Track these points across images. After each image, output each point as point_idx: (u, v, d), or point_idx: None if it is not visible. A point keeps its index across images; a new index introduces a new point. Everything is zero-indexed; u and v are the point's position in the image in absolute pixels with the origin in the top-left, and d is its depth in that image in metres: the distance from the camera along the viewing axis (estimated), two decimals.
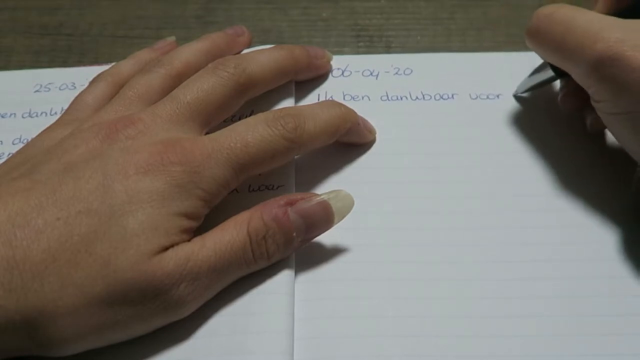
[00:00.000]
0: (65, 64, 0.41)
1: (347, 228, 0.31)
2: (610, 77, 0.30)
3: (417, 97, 0.38)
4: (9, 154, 0.35)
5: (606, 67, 0.29)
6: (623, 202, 0.33)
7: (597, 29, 0.30)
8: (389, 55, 0.41)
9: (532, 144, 0.36)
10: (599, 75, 0.30)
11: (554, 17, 0.32)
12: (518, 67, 0.39)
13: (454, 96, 0.38)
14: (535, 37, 0.33)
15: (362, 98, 0.38)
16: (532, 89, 0.37)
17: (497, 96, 0.38)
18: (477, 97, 0.38)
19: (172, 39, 0.39)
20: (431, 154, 0.35)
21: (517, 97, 0.38)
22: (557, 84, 0.38)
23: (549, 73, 0.35)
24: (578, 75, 0.31)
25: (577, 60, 0.31)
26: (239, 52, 0.39)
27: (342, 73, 0.39)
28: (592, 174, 0.34)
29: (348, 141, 0.35)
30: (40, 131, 0.32)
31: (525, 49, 0.41)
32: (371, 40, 0.42)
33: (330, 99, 0.38)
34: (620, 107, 0.30)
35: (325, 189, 0.33)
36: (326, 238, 0.31)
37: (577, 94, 0.34)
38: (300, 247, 0.30)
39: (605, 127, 0.34)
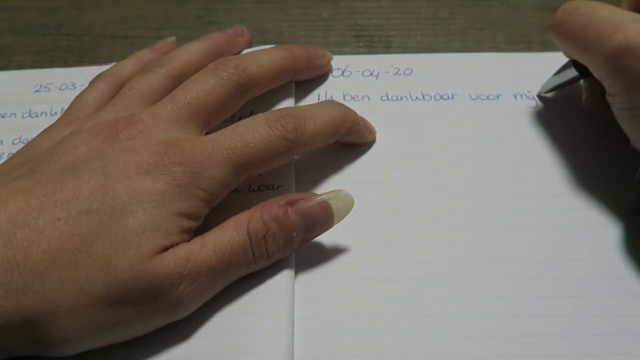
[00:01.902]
0: (65, 64, 0.41)
1: (347, 228, 0.31)
2: (625, 68, 0.29)
3: (417, 97, 0.38)
4: (9, 154, 0.35)
5: (622, 57, 0.29)
6: (627, 202, 0.33)
7: (617, 20, 0.30)
8: (389, 55, 0.41)
9: (532, 144, 0.36)
10: (615, 66, 0.30)
11: (578, 10, 0.32)
12: (518, 67, 0.39)
13: (454, 96, 0.38)
14: (559, 30, 0.33)
15: (362, 98, 0.38)
16: (555, 88, 0.37)
17: (497, 97, 0.38)
18: (477, 98, 0.38)
19: (172, 39, 0.39)
20: (431, 154, 0.35)
21: (540, 97, 0.38)
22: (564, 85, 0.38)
23: (573, 72, 0.35)
24: (595, 67, 0.31)
25: (595, 51, 0.31)
26: (239, 52, 0.39)
27: (342, 73, 0.39)
28: (594, 173, 0.34)
29: (348, 141, 0.35)
30: (40, 131, 0.32)
31: (526, 49, 0.41)
32: (371, 40, 0.42)
33: (330, 99, 0.38)
34: (633, 101, 0.30)
35: (325, 189, 0.33)
36: (326, 238, 0.31)
37: (600, 95, 0.34)
38: (300, 247, 0.30)
39: None
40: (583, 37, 0.31)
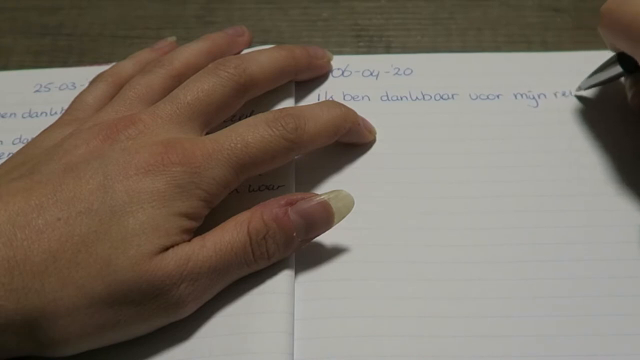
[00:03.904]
0: (65, 64, 0.41)
1: (347, 228, 0.31)
2: None
3: (417, 97, 0.38)
4: (9, 154, 0.34)
5: None
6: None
7: None
8: (389, 55, 0.41)
9: (533, 145, 0.36)
10: None
11: (629, 0, 0.32)
12: (518, 67, 0.39)
13: (454, 96, 0.38)
14: (608, 21, 0.33)
15: (362, 98, 0.38)
16: (596, 85, 0.37)
17: (497, 96, 0.38)
18: (477, 97, 0.38)
19: (172, 39, 0.39)
20: (431, 154, 0.35)
21: (577, 96, 0.38)
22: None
23: (617, 69, 0.35)
24: None
25: None
26: (239, 52, 0.39)
27: (342, 73, 0.39)
28: (595, 173, 0.34)
29: (348, 141, 0.35)
30: (40, 131, 0.32)
31: (526, 49, 0.41)
32: (371, 40, 0.42)
33: (330, 99, 0.38)
34: None
35: (325, 189, 0.33)
36: (326, 238, 0.31)
37: None
38: (300, 247, 0.30)
39: None
40: (636, 27, 0.31)
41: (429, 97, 0.38)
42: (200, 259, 0.27)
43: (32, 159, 0.29)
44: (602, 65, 0.36)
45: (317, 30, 0.43)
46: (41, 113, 0.38)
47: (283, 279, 0.30)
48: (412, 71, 0.39)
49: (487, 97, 0.38)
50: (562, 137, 0.36)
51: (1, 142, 0.36)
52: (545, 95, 0.38)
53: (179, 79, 0.33)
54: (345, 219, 0.31)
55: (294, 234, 0.29)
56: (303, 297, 0.30)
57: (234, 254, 0.28)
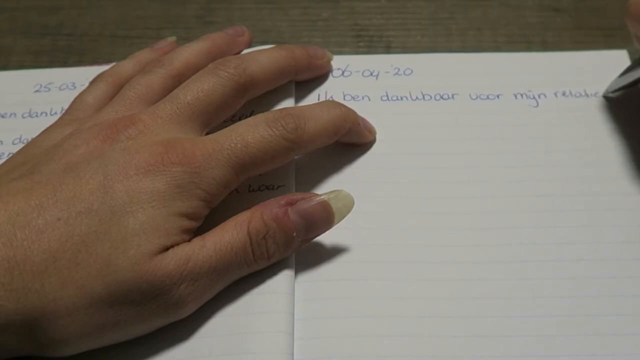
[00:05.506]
0: (65, 64, 0.41)
1: (347, 228, 0.31)
2: None
3: (417, 97, 0.38)
4: (9, 154, 0.34)
5: None
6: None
7: None
8: (389, 55, 0.41)
9: (533, 145, 0.36)
10: None
11: None
12: (518, 67, 0.39)
13: (454, 96, 0.38)
14: (636, 6, 0.32)
15: (362, 98, 0.38)
16: (624, 87, 0.37)
17: (497, 96, 0.38)
18: (477, 97, 0.38)
19: (172, 39, 0.39)
20: (431, 154, 0.35)
21: (605, 97, 0.37)
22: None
23: None
24: None
25: None
26: (239, 52, 0.39)
27: (342, 73, 0.39)
28: (594, 173, 0.34)
29: (348, 141, 0.35)
30: (40, 131, 0.32)
31: (526, 49, 0.41)
32: (371, 40, 0.42)
33: (330, 99, 0.38)
34: None
35: (325, 189, 0.33)
36: (326, 238, 0.31)
37: None
38: (300, 247, 0.30)
39: None
40: None
41: (429, 97, 0.38)
42: (200, 259, 0.27)
43: (32, 159, 0.29)
44: (629, 67, 0.36)
45: (317, 30, 0.43)
46: (41, 113, 0.38)
47: (283, 279, 0.30)
48: (412, 71, 0.39)
49: (487, 97, 0.38)
50: (562, 137, 0.36)
51: (1, 142, 0.36)
52: (545, 95, 0.38)
53: (179, 79, 0.33)
54: (345, 219, 0.31)
55: (294, 234, 0.29)
56: (303, 297, 0.30)
57: (234, 254, 0.28)
